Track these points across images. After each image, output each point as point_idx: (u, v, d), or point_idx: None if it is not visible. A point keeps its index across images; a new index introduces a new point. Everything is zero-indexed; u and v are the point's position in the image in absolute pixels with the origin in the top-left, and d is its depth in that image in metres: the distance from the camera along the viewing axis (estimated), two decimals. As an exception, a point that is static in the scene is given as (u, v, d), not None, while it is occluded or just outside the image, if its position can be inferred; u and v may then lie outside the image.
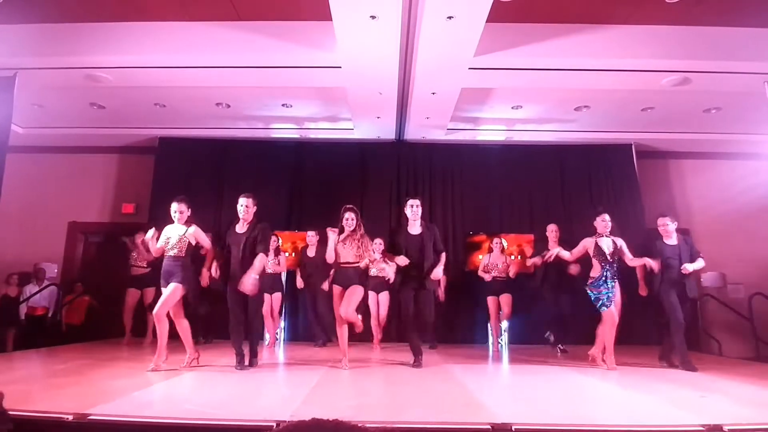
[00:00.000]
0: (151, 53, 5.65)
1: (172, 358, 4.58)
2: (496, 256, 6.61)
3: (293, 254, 7.26)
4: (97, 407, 2.79)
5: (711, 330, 7.53)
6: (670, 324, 4.90)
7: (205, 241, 4.62)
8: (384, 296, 6.42)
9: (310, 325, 6.76)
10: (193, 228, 4.57)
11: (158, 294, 4.72)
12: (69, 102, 7.02)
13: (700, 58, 5.54)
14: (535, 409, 3.21)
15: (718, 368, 4.95)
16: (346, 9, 4.59)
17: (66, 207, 8.27)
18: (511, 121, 7.69)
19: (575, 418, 2.89)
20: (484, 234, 7.67)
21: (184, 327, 4.54)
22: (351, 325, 4.71)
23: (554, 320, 6.27)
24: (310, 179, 8.14)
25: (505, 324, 6.67)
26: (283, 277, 6.76)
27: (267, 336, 6.54)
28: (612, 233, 4.95)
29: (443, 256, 4.91)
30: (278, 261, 6.42)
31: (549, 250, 6.21)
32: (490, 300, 6.55)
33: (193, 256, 4.62)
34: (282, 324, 7.15)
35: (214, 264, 4.70)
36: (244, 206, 4.60)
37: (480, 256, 7.18)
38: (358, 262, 4.69)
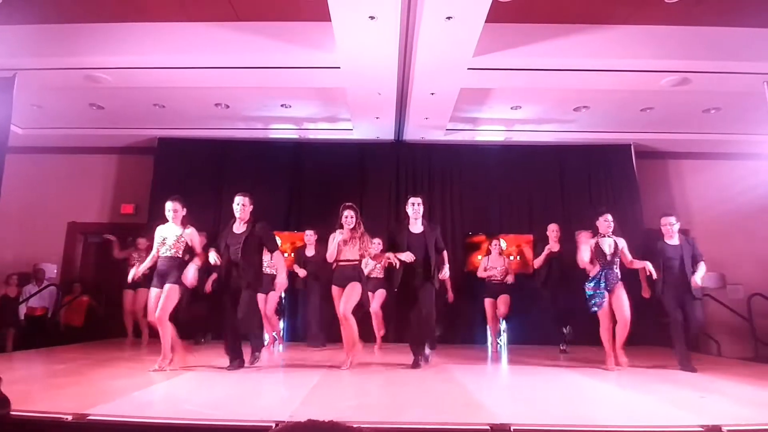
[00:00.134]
0: (151, 54, 5.65)
1: (175, 358, 4.58)
2: (495, 258, 6.60)
3: (292, 254, 7.26)
4: (97, 407, 2.79)
5: (710, 330, 7.53)
6: (670, 324, 4.90)
7: (197, 246, 4.58)
8: (379, 292, 6.37)
9: (309, 325, 6.76)
10: (190, 229, 4.55)
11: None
12: (68, 103, 7.02)
13: (700, 59, 5.54)
14: (534, 410, 3.21)
15: (717, 369, 4.95)
16: (345, 9, 4.59)
17: (65, 207, 8.27)
18: (510, 122, 7.69)
19: (574, 419, 2.89)
20: (483, 234, 7.67)
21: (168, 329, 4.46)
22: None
23: (562, 317, 6.26)
24: (309, 180, 8.14)
25: (503, 324, 6.67)
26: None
27: (266, 336, 6.54)
28: (613, 233, 4.95)
29: (445, 254, 4.89)
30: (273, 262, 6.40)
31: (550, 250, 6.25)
32: (488, 302, 6.54)
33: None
34: (282, 324, 7.16)
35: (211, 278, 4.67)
36: (241, 205, 4.56)
37: (479, 257, 7.18)
38: (358, 260, 4.67)
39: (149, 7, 5.37)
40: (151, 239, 4.75)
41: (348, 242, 4.64)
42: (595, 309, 4.80)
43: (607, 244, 4.86)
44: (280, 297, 6.79)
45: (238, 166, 8.04)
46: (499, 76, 5.92)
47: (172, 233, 4.52)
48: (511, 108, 7.15)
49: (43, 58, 5.59)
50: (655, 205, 7.72)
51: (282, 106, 7.17)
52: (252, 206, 4.62)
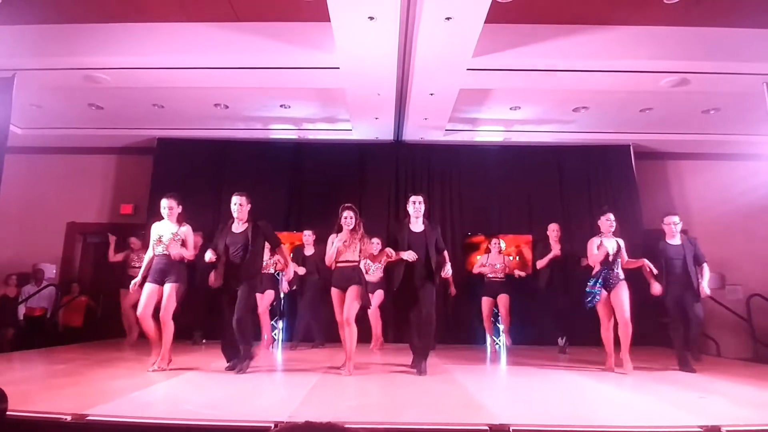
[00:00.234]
0: (150, 54, 5.65)
1: (175, 359, 4.59)
2: (494, 257, 6.61)
3: (290, 254, 7.23)
4: (96, 408, 2.79)
5: (709, 331, 7.53)
6: (670, 325, 4.91)
7: (190, 244, 4.56)
8: (378, 292, 6.37)
9: (308, 325, 6.76)
10: (186, 227, 4.53)
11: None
12: (67, 103, 7.02)
13: (699, 59, 5.55)
14: (533, 410, 3.21)
15: (717, 369, 4.95)
16: (345, 10, 4.59)
17: (64, 208, 8.26)
18: (510, 122, 7.69)
19: (574, 419, 2.90)
20: (483, 235, 7.67)
21: (152, 327, 4.45)
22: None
23: (561, 319, 6.27)
24: (309, 180, 8.14)
25: (501, 327, 6.66)
26: (280, 277, 6.75)
27: (265, 337, 6.54)
28: (615, 234, 4.95)
29: (446, 254, 4.84)
30: (274, 261, 6.40)
31: (551, 250, 6.26)
32: (485, 300, 6.54)
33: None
34: (280, 324, 7.16)
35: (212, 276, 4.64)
36: (238, 204, 4.52)
37: (478, 257, 7.18)
38: (358, 261, 4.65)
39: (149, 7, 5.37)
40: (143, 238, 4.74)
41: (347, 243, 4.61)
42: (590, 305, 4.82)
43: (610, 246, 4.86)
44: (279, 298, 6.79)
45: (237, 166, 8.03)
46: (499, 76, 5.92)
47: (168, 231, 4.51)
48: (511, 108, 7.16)
49: (42, 58, 5.59)
50: (654, 206, 7.74)
51: (281, 106, 7.17)
52: (250, 205, 4.58)
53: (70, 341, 6.79)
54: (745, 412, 3.09)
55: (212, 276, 4.62)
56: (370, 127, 7.55)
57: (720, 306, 7.45)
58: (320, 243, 5.92)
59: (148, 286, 4.43)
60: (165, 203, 4.54)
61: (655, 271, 4.84)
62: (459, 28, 4.86)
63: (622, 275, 4.85)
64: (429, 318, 4.54)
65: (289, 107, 7.20)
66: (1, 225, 7.38)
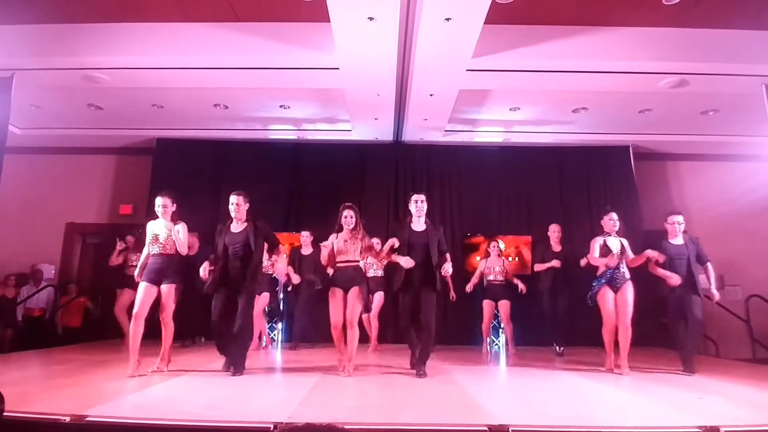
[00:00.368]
0: (149, 54, 5.64)
1: (175, 359, 4.59)
2: (494, 260, 6.59)
3: (288, 254, 7.23)
4: (95, 408, 2.78)
5: (708, 331, 7.53)
6: (669, 325, 4.91)
7: (183, 242, 4.49)
8: (378, 295, 6.37)
9: (301, 324, 6.73)
10: (180, 225, 4.48)
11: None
12: (66, 103, 7.01)
13: (698, 60, 5.56)
14: (532, 411, 3.22)
15: (715, 370, 4.96)
16: (344, 10, 4.59)
17: (63, 208, 8.25)
18: (509, 123, 7.70)
19: (573, 420, 2.90)
20: (482, 236, 7.67)
21: (139, 331, 4.30)
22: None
23: (559, 327, 6.26)
24: (309, 181, 8.14)
25: (502, 330, 6.65)
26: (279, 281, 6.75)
27: (264, 339, 6.54)
28: (618, 233, 4.94)
29: (448, 256, 4.76)
30: (272, 262, 6.38)
31: (552, 251, 6.25)
32: (486, 303, 6.53)
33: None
34: (279, 326, 7.15)
35: (205, 269, 4.62)
36: (235, 204, 4.49)
37: (477, 258, 7.17)
38: (359, 260, 4.63)
39: (148, 7, 5.37)
40: (139, 236, 4.70)
41: (348, 243, 4.59)
42: (591, 302, 4.84)
43: (614, 245, 4.85)
44: (279, 299, 6.78)
45: (236, 166, 8.03)
46: (498, 77, 5.93)
47: (163, 229, 4.46)
48: (510, 109, 7.16)
49: (41, 58, 5.58)
50: (653, 207, 7.75)
51: (281, 106, 7.16)
52: (248, 205, 4.54)
53: (69, 342, 6.80)
54: (744, 412, 3.09)
55: (206, 278, 4.59)
56: (369, 127, 7.55)
57: (719, 307, 7.45)
58: (318, 244, 5.89)
59: (144, 286, 4.35)
60: (159, 201, 4.49)
61: (660, 260, 4.78)
62: (459, 28, 4.86)
63: (628, 275, 4.82)
64: (428, 324, 4.49)
65: (289, 107, 7.20)
66: (0, 225, 7.36)
